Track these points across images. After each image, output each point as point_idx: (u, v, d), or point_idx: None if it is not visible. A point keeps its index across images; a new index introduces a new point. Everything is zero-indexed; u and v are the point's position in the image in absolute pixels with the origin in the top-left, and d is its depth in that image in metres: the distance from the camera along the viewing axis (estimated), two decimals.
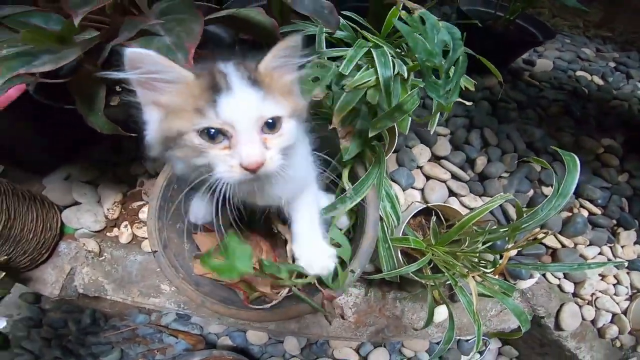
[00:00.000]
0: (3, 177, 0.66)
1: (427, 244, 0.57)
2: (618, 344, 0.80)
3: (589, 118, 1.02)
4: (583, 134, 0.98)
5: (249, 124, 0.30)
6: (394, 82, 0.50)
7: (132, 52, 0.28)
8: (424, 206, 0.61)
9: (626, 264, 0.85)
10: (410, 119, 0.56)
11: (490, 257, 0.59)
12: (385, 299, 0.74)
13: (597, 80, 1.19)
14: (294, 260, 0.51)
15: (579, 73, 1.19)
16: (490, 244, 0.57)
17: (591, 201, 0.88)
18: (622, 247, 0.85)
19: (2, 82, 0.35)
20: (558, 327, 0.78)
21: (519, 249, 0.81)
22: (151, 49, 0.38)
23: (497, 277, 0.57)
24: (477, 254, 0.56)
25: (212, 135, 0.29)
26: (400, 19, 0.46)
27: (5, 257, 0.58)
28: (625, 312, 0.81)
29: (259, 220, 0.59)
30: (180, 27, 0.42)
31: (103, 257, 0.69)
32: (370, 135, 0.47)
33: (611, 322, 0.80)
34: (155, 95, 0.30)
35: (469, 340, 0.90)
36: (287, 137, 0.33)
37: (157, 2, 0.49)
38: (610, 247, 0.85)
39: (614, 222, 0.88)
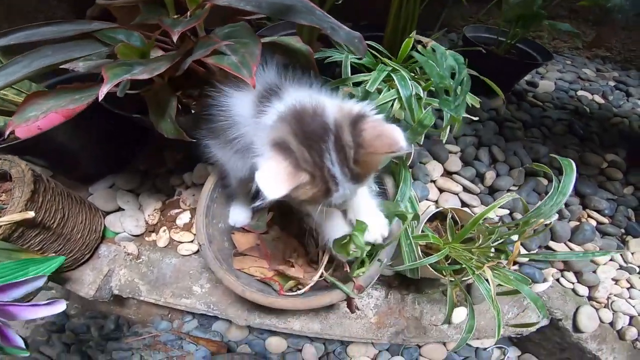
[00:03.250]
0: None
1: (444, 242, 0.70)
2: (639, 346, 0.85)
3: (592, 135, 1.17)
4: (587, 151, 1.12)
5: None
6: (414, 100, 0.66)
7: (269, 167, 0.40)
8: (440, 209, 0.74)
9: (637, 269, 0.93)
10: (424, 133, 0.71)
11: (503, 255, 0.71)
12: (405, 301, 0.85)
13: (598, 99, 1.35)
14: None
15: (580, 93, 1.36)
16: (501, 241, 0.69)
17: (598, 211, 1.00)
18: (632, 253, 0.95)
19: (109, 86, 0.48)
20: (576, 329, 0.85)
21: (530, 257, 0.93)
22: (223, 64, 0.53)
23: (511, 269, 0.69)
24: (491, 248, 0.68)
25: None
26: (416, 50, 0.62)
27: (54, 253, 0.70)
28: None
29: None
30: (244, 49, 0.54)
31: (140, 260, 0.81)
32: None
33: (630, 324, 0.86)
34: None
35: (487, 348, 0.99)
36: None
37: (219, 27, 0.64)
38: (621, 254, 0.95)
39: (622, 230, 0.99)
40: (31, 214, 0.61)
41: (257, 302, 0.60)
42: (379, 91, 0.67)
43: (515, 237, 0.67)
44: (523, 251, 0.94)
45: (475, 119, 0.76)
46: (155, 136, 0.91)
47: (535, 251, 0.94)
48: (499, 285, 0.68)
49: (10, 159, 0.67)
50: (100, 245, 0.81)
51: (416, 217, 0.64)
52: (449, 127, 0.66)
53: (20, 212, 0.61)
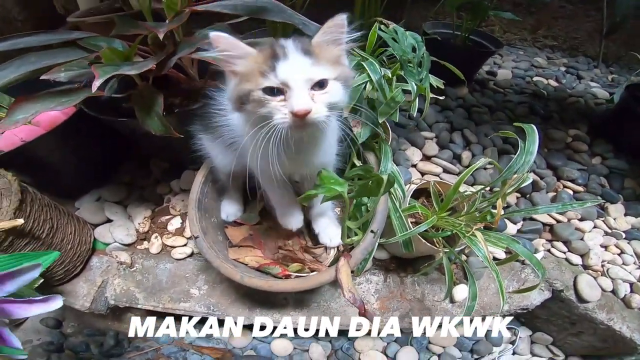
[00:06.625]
0: None
1: (431, 213, 0.67)
2: None
3: (552, 114, 1.19)
4: (550, 128, 1.13)
5: (300, 83, 0.39)
6: (384, 81, 0.67)
7: (214, 35, 0.39)
8: (422, 182, 0.72)
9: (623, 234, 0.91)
10: (398, 112, 0.71)
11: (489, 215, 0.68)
12: (404, 283, 0.80)
13: (553, 82, 1.39)
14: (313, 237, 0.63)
15: (536, 78, 1.40)
16: (485, 206, 0.67)
17: (572, 181, 0.99)
18: (614, 219, 0.93)
19: (101, 80, 0.47)
20: (580, 299, 0.80)
21: (514, 213, 0.89)
22: (206, 55, 0.55)
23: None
24: (476, 213, 0.66)
25: (273, 91, 0.39)
26: (381, 30, 0.65)
27: None
28: None
29: None
30: None
31: (134, 268, 0.75)
32: (380, 120, 0.62)
33: (632, 291, 0.82)
34: (232, 66, 0.41)
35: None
36: (332, 94, 0.41)
37: (199, 30, 0.66)
38: (603, 221, 0.93)
39: (599, 197, 0.97)
40: (20, 221, 0.56)
41: (256, 287, 0.55)
42: None
43: (496, 205, 0.65)
44: (510, 225, 0.92)
45: (442, 98, 0.76)
46: (140, 146, 0.88)
47: (520, 223, 0.92)
48: (495, 259, 0.64)
49: None
50: (92, 257, 0.75)
51: (393, 179, 0.62)
52: (417, 100, 0.67)
53: (10, 220, 0.57)
